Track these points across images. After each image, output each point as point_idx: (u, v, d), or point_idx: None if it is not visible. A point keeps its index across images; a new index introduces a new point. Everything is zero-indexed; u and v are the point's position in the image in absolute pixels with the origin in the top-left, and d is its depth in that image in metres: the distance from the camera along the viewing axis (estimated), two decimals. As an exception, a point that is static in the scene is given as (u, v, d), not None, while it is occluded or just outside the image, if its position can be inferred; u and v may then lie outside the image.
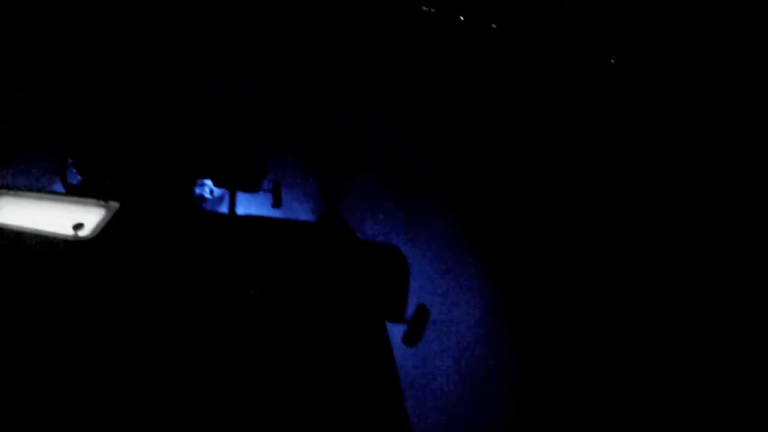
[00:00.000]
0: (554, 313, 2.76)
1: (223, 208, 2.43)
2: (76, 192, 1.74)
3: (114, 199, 1.26)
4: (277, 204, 1.85)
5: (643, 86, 6.08)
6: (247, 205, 2.34)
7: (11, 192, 1.30)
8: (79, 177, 1.77)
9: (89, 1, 5.75)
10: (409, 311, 1.30)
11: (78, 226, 1.16)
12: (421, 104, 5.55)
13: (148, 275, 1.05)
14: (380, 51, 7.10)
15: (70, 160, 1.78)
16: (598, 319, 2.75)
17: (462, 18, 6.44)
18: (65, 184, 1.82)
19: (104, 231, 1.16)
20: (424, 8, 6.76)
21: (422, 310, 1.25)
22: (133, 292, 1.01)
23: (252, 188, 1.74)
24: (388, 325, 1.18)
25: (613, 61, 6.00)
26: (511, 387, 2.32)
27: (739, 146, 5.36)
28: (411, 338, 1.22)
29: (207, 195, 2.24)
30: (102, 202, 1.25)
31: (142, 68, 4.65)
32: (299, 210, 3.08)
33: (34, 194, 1.30)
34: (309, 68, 5.82)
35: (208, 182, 2.23)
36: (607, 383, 2.37)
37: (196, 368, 0.90)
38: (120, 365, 0.87)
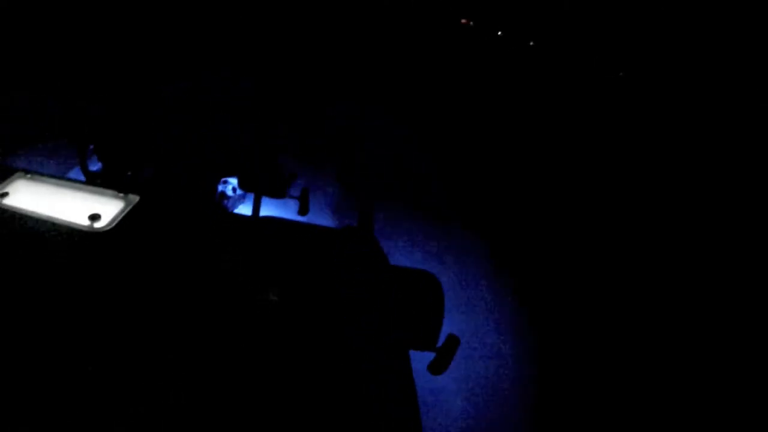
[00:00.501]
0: (566, 318, 2.75)
1: (245, 207, 2.39)
2: (95, 180, 1.69)
3: (134, 192, 1.21)
4: (303, 211, 1.78)
5: (649, 96, 6.17)
6: (272, 209, 2.30)
7: (27, 176, 1.24)
8: (99, 164, 1.73)
9: (89, 1, 5.75)
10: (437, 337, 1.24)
11: (94, 217, 1.12)
12: (421, 104, 5.55)
13: (162, 273, 1.02)
14: (380, 52, 7.10)
15: (91, 147, 1.73)
16: (612, 327, 2.74)
17: (500, 33, 6.54)
18: (85, 171, 1.77)
19: (121, 224, 1.12)
20: (463, 21, 6.84)
21: (452, 340, 1.19)
22: (146, 290, 0.98)
23: (279, 194, 1.67)
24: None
25: (621, 74, 6.23)
26: (520, 391, 2.31)
27: (740, 147, 5.37)
28: (437, 367, 1.17)
29: (229, 192, 2.22)
30: (121, 194, 1.21)
31: (142, 68, 4.65)
32: (326, 218, 3.07)
33: (51, 180, 1.25)
34: (309, 68, 5.82)
35: (232, 181, 2.19)
36: (619, 393, 2.37)
37: (204, 370, 0.87)
38: (126, 365, 0.85)
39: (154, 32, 5.70)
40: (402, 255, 2.98)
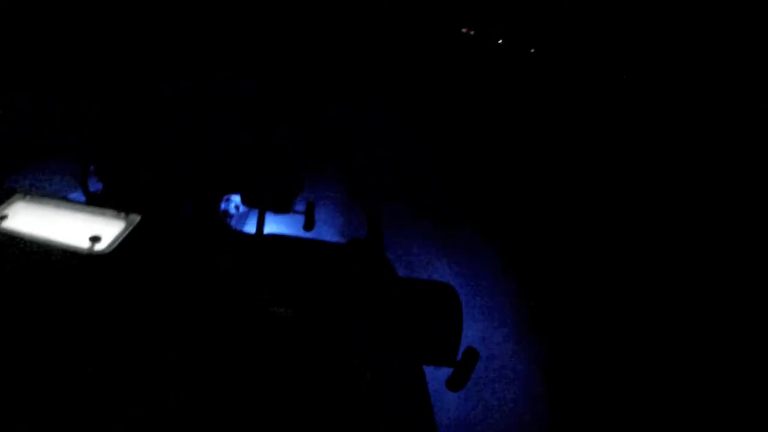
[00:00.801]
0: (568, 318, 2.75)
1: (249, 225, 2.36)
2: (96, 201, 1.65)
3: (135, 212, 1.19)
4: (309, 227, 1.72)
5: (651, 98, 6.18)
6: (276, 225, 2.28)
7: (26, 197, 1.22)
8: (100, 185, 1.70)
9: (89, 1, 5.75)
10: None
11: (95, 239, 1.09)
12: (422, 104, 5.55)
13: (166, 294, 1.00)
14: (381, 53, 7.10)
15: (92, 167, 1.70)
16: (616, 328, 2.74)
17: (500, 41, 6.57)
18: (86, 191, 1.74)
19: (122, 245, 1.09)
20: (463, 30, 6.87)
21: (471, 354, 1.12)
22: (148, 312, 0.96)
23: (283, 209, 1.61)
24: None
25: (624, 77, 6.28)
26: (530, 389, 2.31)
27: (742, 148, 5.36)
28: (456, 383, 1.10)
29: (232, 210, 2.19)
30: (122, 214, 1.18)
31: (142, 68, 4.65)
32: (331, 233, 3.07)
33: (51, 201, 1.23)
34: (309, 68, 5.82)
35: (235, 198, 2.17)
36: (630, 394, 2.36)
37: (205, 374, 0.86)
38: (126, 392, 0.84)
39: (154, 32, 5.70)
40: (401, 255, 2.98)
